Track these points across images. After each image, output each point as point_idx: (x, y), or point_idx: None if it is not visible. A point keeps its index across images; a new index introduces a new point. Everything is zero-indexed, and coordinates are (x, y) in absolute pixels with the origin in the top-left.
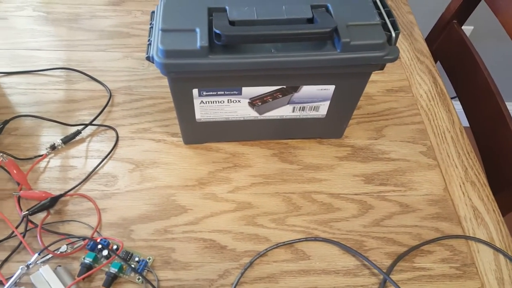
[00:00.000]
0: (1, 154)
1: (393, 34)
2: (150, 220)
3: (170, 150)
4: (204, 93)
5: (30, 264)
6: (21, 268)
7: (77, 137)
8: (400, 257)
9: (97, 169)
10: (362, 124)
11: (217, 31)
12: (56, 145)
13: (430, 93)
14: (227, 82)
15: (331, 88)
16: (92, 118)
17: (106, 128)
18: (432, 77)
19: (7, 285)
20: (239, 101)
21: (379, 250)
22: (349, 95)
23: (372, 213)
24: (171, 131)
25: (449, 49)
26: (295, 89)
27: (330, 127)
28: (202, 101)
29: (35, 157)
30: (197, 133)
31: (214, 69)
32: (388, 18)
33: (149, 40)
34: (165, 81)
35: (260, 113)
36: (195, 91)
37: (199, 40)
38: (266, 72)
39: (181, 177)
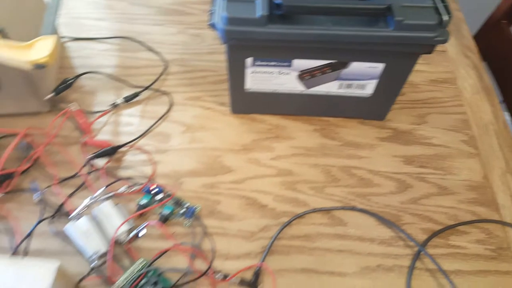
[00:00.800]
0: (73, 103)
1: (445, 18)
2: (198, 175)
3: (218, 117)
4: (257, 62)
5: (96, 196)
6: (89, 198)
7: (136, 99)
8: (435, 234)
9: (152, 127)
10: (405, 110)
11: (278, 1)
12: (117, 103)
13: (475, 87)
14: (280, 53)
15: (380, 66)
16: (149, 84)
17: (161, 93)
18: (478, 73)
19: (75, 211)
20: (288, 73)
21: (414, 225)
22: (396, 76)
23: (410, 192)
24: (220, 101)
25: (497, 50)
26: (344, 65)
27: (374, 108)
28: (254, 70)
29: (98, 112)
30: (244, 103)
31: (271, 38)
32: (442, 2)
33: (212, 9)
34: (216, 56)
35: (308, 87)
36: (249, 60)
37: (259, 9)
38: (319, 45)
39: (227, 141)
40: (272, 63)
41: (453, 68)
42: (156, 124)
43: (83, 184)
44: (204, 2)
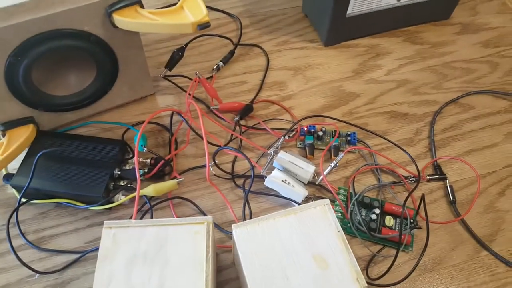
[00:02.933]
0: (197, 72)
1: None
2: (334, 107)
3: (315, 53)
4: None
5: (278, 146)
6: (273, 151)
7: (233, 58)
8: None
9: (264, 79)
10: (458, 7)
11: None
12: (219, 66)
13: None
14: None
15: None
16: (235, 41)
17: (251, 46)
18: None
19: (265, 166)
20: None
21: None
22: None
23: (501, 67)
24: (308, 39)
25: None
26: None
27: (443, 8)
28: None
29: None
30: (340, 31)
31: None
32: None
33: None
34: (272, 2)
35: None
36: None
37: None
38: None
39: (337, 71)
40: None
41: None
42: (266, 75)
43: (241, 142)
44: None
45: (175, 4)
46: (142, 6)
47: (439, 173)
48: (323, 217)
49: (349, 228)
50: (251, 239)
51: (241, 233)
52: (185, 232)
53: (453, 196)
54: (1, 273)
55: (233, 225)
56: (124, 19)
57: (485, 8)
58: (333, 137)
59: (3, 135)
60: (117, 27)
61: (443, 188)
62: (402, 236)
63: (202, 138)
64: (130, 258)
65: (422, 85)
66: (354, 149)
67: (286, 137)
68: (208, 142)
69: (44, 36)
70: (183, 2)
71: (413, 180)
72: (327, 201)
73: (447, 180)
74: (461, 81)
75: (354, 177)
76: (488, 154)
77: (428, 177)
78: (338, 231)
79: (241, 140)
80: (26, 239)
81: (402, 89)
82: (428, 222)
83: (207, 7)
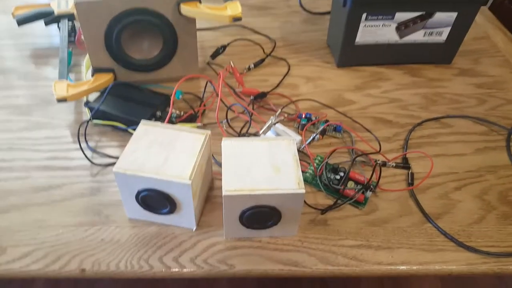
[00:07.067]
0: (230, 62)
1: None
2: (331, 107)
3: (328, 71)
4: (370, 17)
5: (274, 118)
6: (271, 119)
7: (262, 63)
8: None
9: (282, 80)
10: (461, 57)
11: None
12: (251, 67)
13: (504, 40)
14: (386, 8)
15: (453, 15)
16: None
17: (279, 59)
18: (502, 31)
19: (263, 129)
20: (389, 25)
21: (500, 121)
22: (464, 23)
23: (488, 103)
24: (325, 60)
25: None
26: (431, 15)
27: (446, 52)
28: (365, 24)
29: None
30: (351, 56)
31: None
32: None
33: None
34: (306, 34)
35: (401, 37)
36: (364, 15)
37: None
38: None
39: (342, 84)
40: (380, 17)
41: (484, 30)
42: (284, 78)
43: (251, 115)
44: (284, 0)
45: None
46: (200, 2)
47: (404, 163)
48: (287, 146)
49: (317, 183)
50: (233, 147)
51: (226, 143)
52: (191, 137)
53: (412, 180)
54: (67, 160)
55: (223, 138)
56: (188, 8)
57: (487, 61)
58: (323, 123)
59: (92, 75)
60: (182, 15)
61: (406, 175)
62: (357, 194)
63: (226, 106)
64: (151, 142)
65: (411, 104)
66: (334, 123)
67: (285, 114)
68: (225, 105)
69: (136, 10)
70: (227, 4)
71: (380, 162)
72: (294, 138)
73: (410, 170)
74: (448, 107)
75: (332, 151)
76: (455, 159)
77: (394, 164)
78: (294, 155)
79: (251, 114)
80: (87, 144)
81: (393, 104)
82: (378, 181)
83: (253, 30)
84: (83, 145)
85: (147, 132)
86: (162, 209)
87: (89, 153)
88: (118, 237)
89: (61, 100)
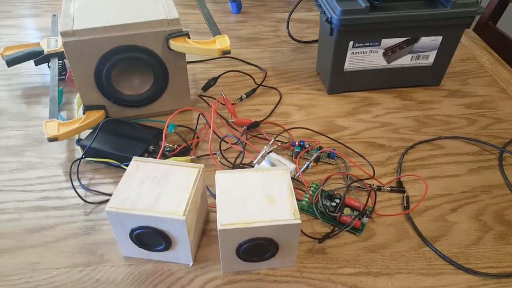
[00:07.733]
0: (222, 93)
1: None
2: (324, 133)
3: (318, 97)
4: (356, 44)
5: (269, 146)
6: (264, 149)
7: (254, 93)
8: (507, 144)
9: (274, 109)
10: (450, 78)
11: None
12: (243, 97)
13: (490, 60)
14: (373, 35)
15: (439, 39)
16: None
17: (270, 88)
18: (487, 51)
19: (257, 158)
20: (376, 51)
21: (490, 141)
22: (449, 46)
23: (478, 123)
24: (315, 88)
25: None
26: (416, 40)
27: (434, 75)
28: (353, 52)
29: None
30: (340, 82)
31: (372, 22)
32: None
33: (322, 10)
34: (296, 63)
35: (389, 62)
36: (351, 43)
37: (363, 2)
38: (401, 25)
39: (333, 111)
40: (367, 44)
41: (469, 51)
42: (276, 107)
43: (245, 145)
44: (273, 30)
45: None
46: (189, 37)
47: (399, 187)
48: (281, 176)
49: (313, 210)
50: (227, 180)
51: (220, 176)
52: (184, 171)
53: (407, 204)
54: (60, 199)
55: (216, 171)
56: (177, 43)
57: (475, 81)
58: (317, 150)
59: (84, 113)
60: (171, 50)
61: (401, 199)
62: (353, 221)
63: (219, 137)
64: (144, 179)
65: (403, 127)
66: (327, 150)
67: (279, 143)
68: (218, 137)
69: (125, 48)
70: (216, 38)
71: (375, 187)
72: (288, 167)
73: (405, 193)
74: (439, 128)
75: (327, 178)
76: (449, 181)
77: (389, 188)
78: (288, 185)
79: (245, 144)
80: (80, 182)
81: (384, 128)
82: (374, 206)
83: (243, 61)
84: (76, 183)
85: (139, 168)
86: (157, 246)
87: (82, 191)
88: (113, 277)
89: (52, 139)
